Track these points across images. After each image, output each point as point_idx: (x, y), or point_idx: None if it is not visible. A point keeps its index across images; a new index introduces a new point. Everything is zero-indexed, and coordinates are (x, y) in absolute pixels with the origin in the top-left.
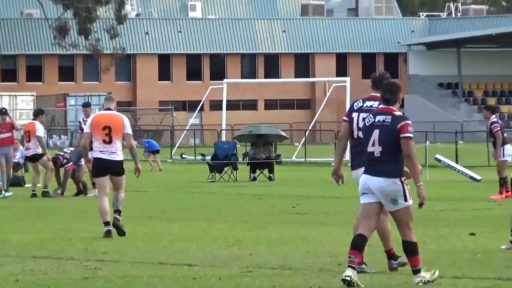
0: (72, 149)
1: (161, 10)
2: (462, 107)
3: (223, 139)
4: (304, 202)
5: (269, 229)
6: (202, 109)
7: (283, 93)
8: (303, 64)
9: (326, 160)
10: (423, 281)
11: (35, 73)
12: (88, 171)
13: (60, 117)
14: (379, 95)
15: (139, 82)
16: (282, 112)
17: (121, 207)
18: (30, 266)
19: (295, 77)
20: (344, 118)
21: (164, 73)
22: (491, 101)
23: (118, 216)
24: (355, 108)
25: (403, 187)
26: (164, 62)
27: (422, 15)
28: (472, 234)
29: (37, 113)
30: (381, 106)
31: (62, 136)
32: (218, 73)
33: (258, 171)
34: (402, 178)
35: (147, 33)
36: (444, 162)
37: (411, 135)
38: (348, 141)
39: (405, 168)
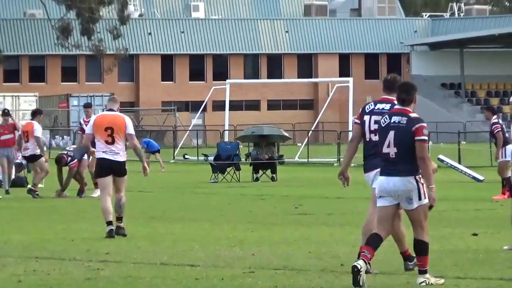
0: (74, 146)
1: (164, 11)
2: (465, 108)
3: (226, 139)
4: (306, 202)
5: (271, 230)
6: (205, 109)
7: (286, 94)
8: (306, 64)
9: (328, 161)
10: (427, 282)
11: (38, 74)
12: (90, 173)
13: (62, 117)
14: (390, 97)
15: (142, 83)
16: (284, 112)
17: (124, 214)
18: (32, 266)
19: (298, 77)
20: (356, 120)
21: (167, 74)
22: (494, 101)
23: (122, 225)
24: (367, 111)
25: (418, 186)
26: (167, 63)
27: (425, 15)
28: (475, 234)
29: (35, 113)
30: (396, 106)
31: (65, 136)
32: (221, 74)
33: (260, 172)
34: (417, 177)
35: (150, 33)
36: (447, 162)
37: (426, 137)
38: (358, 144)
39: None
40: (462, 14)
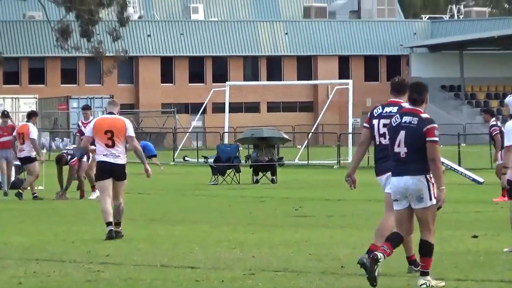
0: (74, 146)
1: (163, 13)
2: (465, 110)
3: (226, 141)
4: (306, 204)
5: (271, 232)
6: (204, 111)
7: (286, 96)
8: (306, 66)
9: (328, 163)
10: (427, 285)
11: (37, 76)
12: (88, 176)
13: (62, 119)
14: (398, 100)
15: (142, 85)
16: (284, 114)
17: (122, 219)
18: (32, 268)
19: (298, 79)
20: (365, 124)
21: (167, 76)
22: (494, 103)
23: (120, 229)
24: (375, 115)
25: (429, 185)
26: (167, 65)
27: (425, 17)
28: (475, 236)
29: (31, 115)
30: (408, 106)
31: (64, 138)
32: (220, 76)
33: (260, 174)
34: (428, 176)
35: (149, 35)
36: (447, 164)
37: (437, 139)
38: (367, 148)
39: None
40: (461, 16)
